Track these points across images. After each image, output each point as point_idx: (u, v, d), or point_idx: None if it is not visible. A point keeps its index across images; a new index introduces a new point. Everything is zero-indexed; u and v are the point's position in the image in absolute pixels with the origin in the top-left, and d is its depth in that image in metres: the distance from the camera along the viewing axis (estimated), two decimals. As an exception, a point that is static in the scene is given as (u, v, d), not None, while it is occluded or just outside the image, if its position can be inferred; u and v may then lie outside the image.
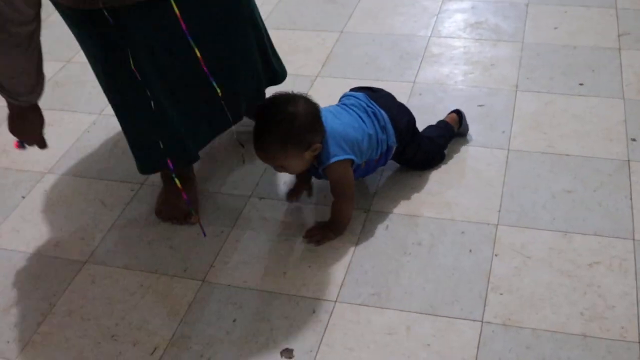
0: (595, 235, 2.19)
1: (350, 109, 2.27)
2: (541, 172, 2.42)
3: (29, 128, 2.26)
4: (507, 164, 2.46)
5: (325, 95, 2.82)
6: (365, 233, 2.26)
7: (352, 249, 2.21)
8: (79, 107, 3.00)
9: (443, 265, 2.13)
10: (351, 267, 2.15)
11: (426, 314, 2.00)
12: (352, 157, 2.18)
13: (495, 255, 2.14)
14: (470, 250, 2.17)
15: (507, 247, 2.17)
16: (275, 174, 2.49)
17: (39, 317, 2.12)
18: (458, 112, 2.57)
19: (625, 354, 1.86)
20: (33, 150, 2.74)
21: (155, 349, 1.99)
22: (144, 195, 2.50)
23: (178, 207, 2.35)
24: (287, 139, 2.08)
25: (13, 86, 2.09)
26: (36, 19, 1.99)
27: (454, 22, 3.30)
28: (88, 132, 2.85)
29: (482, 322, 1.96)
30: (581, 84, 2.82)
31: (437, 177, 2.43)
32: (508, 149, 2.52)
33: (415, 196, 2.37)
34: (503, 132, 2.60)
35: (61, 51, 3.31)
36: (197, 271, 2.20)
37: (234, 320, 2.03)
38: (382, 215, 2.31)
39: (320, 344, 1.94)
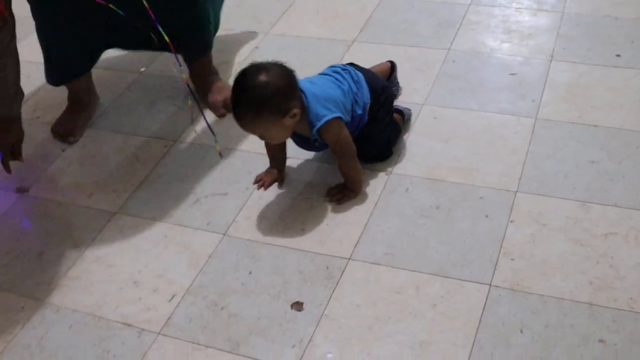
0: (615, 206, 2.19)
1: (323, 74, 2.33)
2: (568, 142, 2.42)
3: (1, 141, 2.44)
4: (533, 133, 2.46)
5: (361, 60, 2.85)
6: (386, 194, 2.30)
7: (371, 208, 2.26)
8: (121, 65, 3.09)
9: (458, 229, 2.16)
10: (368, 227, 2.20)
11: (436, 275, 2.04)
12: (340, 114, 2.21)
13: (511, 221, 2.17)
14: (487, 216, 2.19)
15: (524, 214, 2.19)
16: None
17: (69, 262, 2.22)
18: (399, 111, 2.54)
19: (631, 325, 1.87)
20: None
21: (173, 296, 2.07)
22: (176, 152, 2.58)
23: (63, 127, 2.73)
24: (261, 107, 2.10)
25: None
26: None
27: (497, -10, 3.30)
28: (128, 90, 2.94)
29: (490, 285, 1.99)
30: (618, 55, 2.80)
31: (461, 142, 2.46)
32: (536, 118, 2.52)
33: (439, 160, 2.40)
34: (533, 100, 2.60)
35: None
36: (219, 225, 2.27)
37: (250, 273, 2.11)
38: (404, 177, 2.35)
39: (330, 299, 2.00)
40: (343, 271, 2.08)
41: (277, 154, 2.39)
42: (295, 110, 2.15)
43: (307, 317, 1.97)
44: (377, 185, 2.33)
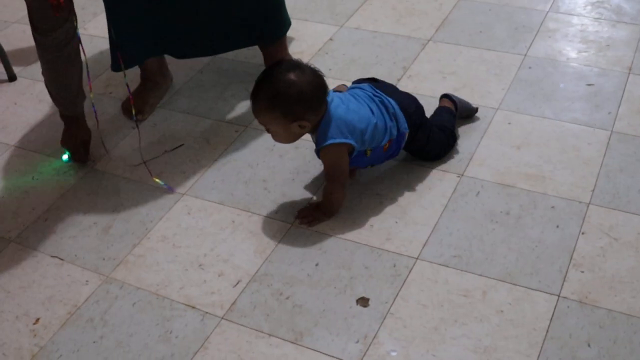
0: (689, 225, 2.15)
1: (358, 98, 2.24)
2: (642, 157, 2.39)
3: (69, 139, 2.54)
4: (608, 145, 2.43)
5: (434, 59, 2.86)
6: (456, 197, 2.28)
7: (441, 210, 2.24)
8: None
9: (528, 237, 2.14)
10: (437, 228, 2.19)
11: (504, 281, 2.02)
12: (351, 142, 2.14)
13: (582, 233, 2.14)
14: (558, 226, 2.17)
15: (595, 226, 2.16)
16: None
17: (135, 239, 2.24)
18: (447, 96, 2.51)
19: (701, 346, 1.84)
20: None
21: (238, 281, 2.08)
22: (246, 138, 2.59)
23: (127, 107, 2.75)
24: (276, 103, 2.08)
25: (57, 95, 2.46)
26: (64, 29, 2.26)
27: (576, -1, 3.26)
28: (201, 72, 2.95)
29: (558, 296, 1.97)
30: (698, 73, 2.75)
31: (534, 149, 2.43)
32: (611, 131, 2.49)
33: (511, 167, 2.37)
34: (609, 113, 2.56)
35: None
36: (287, 214, 2.27)
37: (317, 264, 2.11)
38: (475, 181, 2.33)
39: (396, 297, 2.00)
40: (410, 270, 2.07)
41: None
42: (305, 123, 2.12)
43: (372, 313, 1.96)
44: (448, 187, 2.31)
